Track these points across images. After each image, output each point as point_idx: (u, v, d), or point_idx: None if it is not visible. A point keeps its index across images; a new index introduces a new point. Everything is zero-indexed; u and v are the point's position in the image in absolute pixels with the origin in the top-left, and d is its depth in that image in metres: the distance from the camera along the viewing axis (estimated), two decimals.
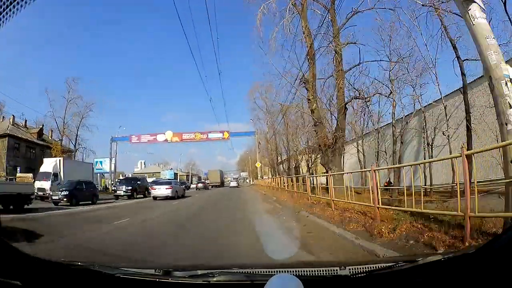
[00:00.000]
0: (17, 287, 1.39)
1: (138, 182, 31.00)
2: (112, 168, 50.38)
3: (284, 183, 25.13)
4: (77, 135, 44.06)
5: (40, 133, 44.65)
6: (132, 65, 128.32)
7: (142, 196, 29.85)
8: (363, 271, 1.69)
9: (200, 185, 57.03)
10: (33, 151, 42.64)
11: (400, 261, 1.79)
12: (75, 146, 44.31)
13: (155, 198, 25.21)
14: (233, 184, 63.53)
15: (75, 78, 43.08)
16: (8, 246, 1.51)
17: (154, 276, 1.70)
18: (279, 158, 49.13)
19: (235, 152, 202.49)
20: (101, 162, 51.19)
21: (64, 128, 42.79)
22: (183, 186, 36.20)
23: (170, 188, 25.41)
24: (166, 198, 24.66)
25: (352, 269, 1.75)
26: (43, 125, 45.33)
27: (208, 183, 62.42)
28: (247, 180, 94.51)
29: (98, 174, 52.16)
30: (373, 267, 1.86)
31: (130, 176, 47.34)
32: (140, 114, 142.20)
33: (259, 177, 57.66)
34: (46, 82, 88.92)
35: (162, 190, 25.33)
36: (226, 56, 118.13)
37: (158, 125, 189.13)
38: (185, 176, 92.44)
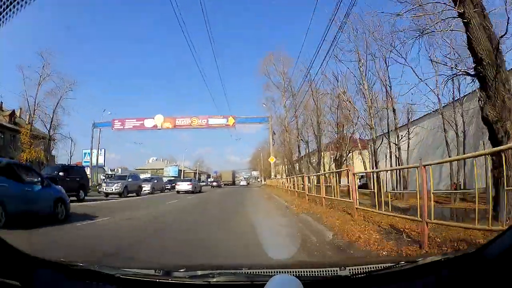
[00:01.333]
0: None
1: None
2: (100, 161, 44.66)
3: (300, 185, 16.92)
4: (52, 118, 35.67)
5: (12, 116, 38.13)
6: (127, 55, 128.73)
7: None
8: (363, 271, 1.69)
9: (214, 183, 63.64)
10: (2, 136, 36.66)
11: (400, 261, 1.79)
12: (49, 132, 36.06)
13: (178, 192, 31.62)
14: (243, 183, 76.52)
15: (51, 51, 35.32)
16: (7, 246, 1.52)
17: (154, 277, 1.70)
18: (301, 150, 37.47)
19: (241, 146, 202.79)
20: (89, 154, 44.39)
21: (35, 109, 34.75)
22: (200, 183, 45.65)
23: (190, 184, 32.68)
24: (187, 192, 30.85)
25: (352, 269, 1.75)
26: (21, 108, 39.09)
27: (221, 182, 71.07)
28: (258, 180, 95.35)
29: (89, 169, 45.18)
30: (373, 267, 1.86)
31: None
32: (135, 107, 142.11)
33: (272, 176, 46.15)
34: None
35: (184, 186, 32.57)
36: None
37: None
38: (193, 174, 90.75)
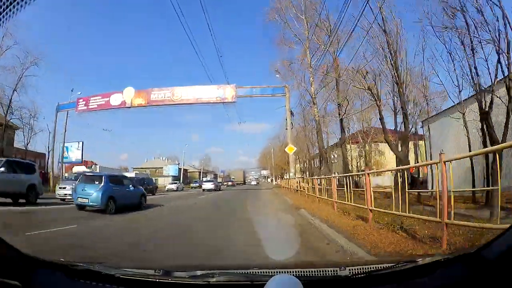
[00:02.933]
0: None
1: None
2: (77, 156, 38.26)
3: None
4: (11, 99, 30.02)
5: None
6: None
7: None
8: (363, 271, 1.69)
9: (229, 183, 73.57)
10: None
11: (400, 261, 1.79)
12: (5, 115, 30.44)
13: (203, 190, 40.84)
14: (253, 182, 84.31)
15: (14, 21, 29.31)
16: (7, 246, 1.52)
17: (154, 276, 1.70)
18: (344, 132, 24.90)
19: (249, 144, 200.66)
20: (67, 148, 37.66)
21: None
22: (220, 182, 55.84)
23: (213, 184, 43.09)
24: (210, 190, 39.69)
25: (352, 269, 1.75)
26: None
27: (234, 181, 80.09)
28: (269, 179, 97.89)
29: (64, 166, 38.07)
30: (373, 267, 1.86)
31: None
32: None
33: (291, 174, 30.75)
34: None
35: (209, 185, 42.29)
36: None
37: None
38: (198, 173, 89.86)
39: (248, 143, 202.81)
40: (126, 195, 14.37)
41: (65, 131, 34.34)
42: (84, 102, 31.84)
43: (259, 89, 30.58)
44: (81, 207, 13.20)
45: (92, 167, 45.05)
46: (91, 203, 12.75)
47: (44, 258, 1.68)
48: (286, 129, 29.87)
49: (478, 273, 1.33)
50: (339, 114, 19.78)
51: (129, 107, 30.32)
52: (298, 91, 27.42)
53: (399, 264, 1.68)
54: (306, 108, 28.60)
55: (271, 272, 1.72)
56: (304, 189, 19.78)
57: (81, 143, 39.06)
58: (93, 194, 12.74)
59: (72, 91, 34.35)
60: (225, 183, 70.10)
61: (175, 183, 52.35)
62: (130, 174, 40.07)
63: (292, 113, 29.84)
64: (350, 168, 28.14)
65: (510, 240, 1.32)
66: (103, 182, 13.26)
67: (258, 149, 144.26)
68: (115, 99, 30.39)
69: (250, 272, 1.89)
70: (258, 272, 1.91)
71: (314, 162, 40.61)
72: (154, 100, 30.05)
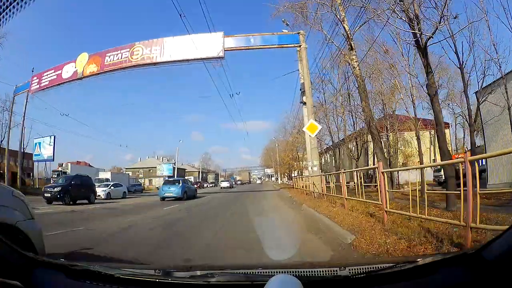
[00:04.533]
0: None
1: None
2: (48, 152, 34.78)
3: None
4: None
5: None
6: None
7: None
8: (363, 271, 1.69)
9: (238, 182, 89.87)
10: None
11: (400, 261, 1.79)
12: None
13: (221, 187, 54.38)
14: (258, 181, 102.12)
15: None
16: (8, 246, 1.52)
17: (154, 277, 1.71)
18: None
19: (251, 142, 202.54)
20: (39, 144, 35.23)
21: None
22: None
23: (228, 183, 59.16)
24: (227, 188, 51.82)
25: (352, 269, 1.75)
26: None
27: (242, 181, 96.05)
28: (273, 178, 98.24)
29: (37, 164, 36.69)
30: (373, 267, 1.86)
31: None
32: None
33: (313, 168, 17.87)
34: None
35: (226, 184, 57.44)
36: None
37: None
38: (198, 173, 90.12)
39: (249, 136, 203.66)
40: (190, 190, 24.79)
41: (24, 119, 29.71)
42: (37, 80, 25.85)
43: (259, 39, 20.69)
44: (163, 198, 22.18)
45: (63, 165, 44.09)
46: (174, 195, 22.04)
47: (44, 258, 1.68)
48: (301, 102, 20.37)
49: (478, 273, 1.33)
50: (416, 31, 9.90)
51: (81, 78, 23.48)
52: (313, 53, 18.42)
53: (399, 264, 1.68)
54: (335, 62, 19.50)
55: (271, 272, 1.72)
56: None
57: (52, 137, 34.98)
58: (175, 190, 22.34)
59: (33, 71, 28.07)
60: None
61: (120, 185, 31.36)
62: (106, 175, 40.37)
63: (311, 82, 20.28)
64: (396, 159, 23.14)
65: (510, 240, 1.32)
66: (181, 183, 23.53)
67: (261, 147, 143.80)
68: (67, 71, 23.86)
69: (250, 272, 1.89)
70: (258, 272, 1.92)
71: (338, 153, 32.53)
72: (108, 64, 22.57)
